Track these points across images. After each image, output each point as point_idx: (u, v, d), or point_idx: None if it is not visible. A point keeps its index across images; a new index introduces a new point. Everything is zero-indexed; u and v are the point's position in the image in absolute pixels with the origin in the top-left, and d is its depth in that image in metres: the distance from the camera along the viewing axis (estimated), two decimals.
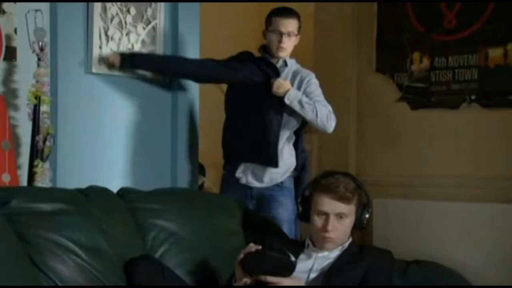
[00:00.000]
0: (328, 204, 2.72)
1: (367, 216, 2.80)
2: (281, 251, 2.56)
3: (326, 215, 2.72)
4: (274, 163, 3.74)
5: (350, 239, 2.81)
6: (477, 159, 4.46)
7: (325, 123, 3.69)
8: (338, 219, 2.73)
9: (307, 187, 2.86)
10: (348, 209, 2.74)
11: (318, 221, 2.74)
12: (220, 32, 6.14)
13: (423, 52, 4.71)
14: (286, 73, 3.83)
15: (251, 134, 3.78)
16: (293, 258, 2.53)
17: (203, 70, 3.82)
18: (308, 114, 3.68)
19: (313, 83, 3.82)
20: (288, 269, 2.53)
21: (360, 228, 2.81)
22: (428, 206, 4.52)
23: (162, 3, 3.89)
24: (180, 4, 4.01)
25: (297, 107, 3.69)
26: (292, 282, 2.55)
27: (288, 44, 3.78)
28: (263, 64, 3.82)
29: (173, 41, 4.01)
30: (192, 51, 4.09)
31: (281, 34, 3.75)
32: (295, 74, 3.83)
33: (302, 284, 2.61)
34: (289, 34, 3.75)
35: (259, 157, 3.76)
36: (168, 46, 3.97)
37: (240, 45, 6.36)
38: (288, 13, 3.79)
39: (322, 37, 5.19)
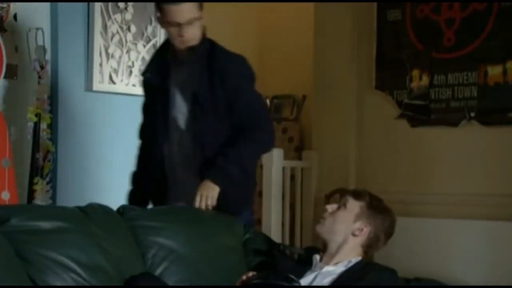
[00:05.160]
0: None
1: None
2: (285, 276, 2.56)
3: None
4: None
5: (360, 258, 2.81)
6: (477, 176, 4.45)
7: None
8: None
9: None
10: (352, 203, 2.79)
11: None
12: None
13: (422, 69, 4.72)
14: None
15: None
16: (296, 283, 2.53)
17: None
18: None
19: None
20: None
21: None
22: (428, 223, 4.51)
23: None
24: None
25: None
26: None
27: (192, 33, 3.01)
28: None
29: None
30: None
31: (179, 25, 2.98)
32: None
33: None
34: (189, 23, 2.98)
35: None
36: None
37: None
38: None
39: (322, 54, 5.20)
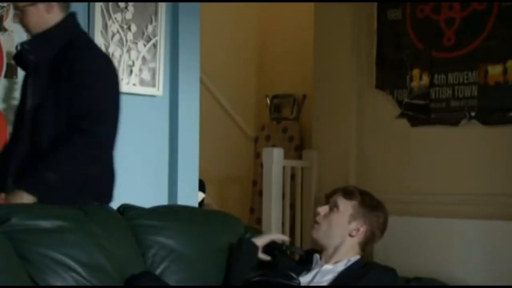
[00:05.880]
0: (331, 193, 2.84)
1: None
2: (285, 274, 2.55)
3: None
4: None
5: (358, 257, 2.82)
6: (477, 175, 4.46)
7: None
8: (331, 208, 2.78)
9: None
10: (344, 204, 2.78)
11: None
12: (220, 48, 6.16)
13: (422, 69, 4.72)
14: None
15: None
16: (296, 281, 2.53)
17: None
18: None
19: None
20: None
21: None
22: (428, 223, 4.52)
23: (163, 20, 3.91)
24: (180, 21, 4.03)
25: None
26: None
27: (27, 19, 2.84)
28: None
29: (174, 58, 4.03)
30: (192, 67, 4.10)
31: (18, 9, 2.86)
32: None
33: None
34: (19, 7, 2.84)
35: None
36: (168, 63, 3.99)
37: (240, 55, 6.42)
38: None
39: (322, 54, 5.20)
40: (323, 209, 2.83)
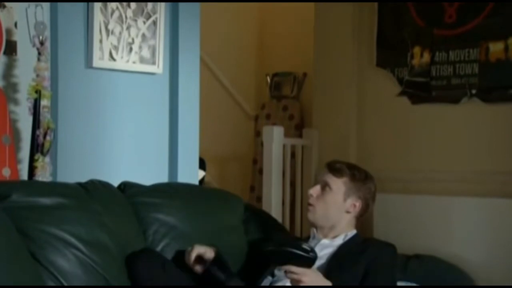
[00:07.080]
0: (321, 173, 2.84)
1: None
2: (301, 245, 2.50)
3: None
4: None
5: (355, 231, 2.83)
6: (478, 153, 4.45)
7: None
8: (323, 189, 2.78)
9: None
10: (335, 182, 2.78)
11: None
12: (220, 26, 6.14)
13: (423, 46, 4.70)
14: None
15: None
16: (313, 254, 2.45)
17: None
18: None
19: None
20: (308, 264, 2.48)
21: None
22: (429, 201, 4.52)
23: None
24: None
25: None
26: (313, 274, 2.50)
27: None
28: None
29: (174, 36, 4.01)
30: (192, 45, 4.09)
31: None
32: None
33: (321, 276, 2.55)
34: None
35: None
36: (168, 41, 3.98)
37: (241, 33, 6.40)
38: None
39: (323, 32, 5.18)
40: (315, 190, 2.81)
